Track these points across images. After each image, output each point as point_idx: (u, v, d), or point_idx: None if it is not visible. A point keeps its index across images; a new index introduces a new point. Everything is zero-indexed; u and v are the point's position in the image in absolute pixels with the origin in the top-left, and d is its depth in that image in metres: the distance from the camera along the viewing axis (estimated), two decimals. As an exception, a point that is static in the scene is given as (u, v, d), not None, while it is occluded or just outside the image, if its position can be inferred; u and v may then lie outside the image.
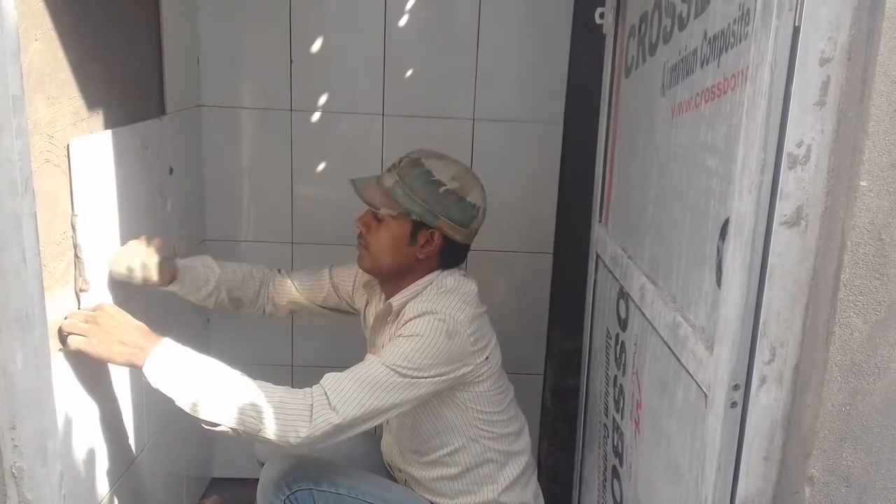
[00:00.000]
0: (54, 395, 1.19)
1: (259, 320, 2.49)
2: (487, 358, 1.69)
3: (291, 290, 1.99)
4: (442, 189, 1.68)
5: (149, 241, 1.69)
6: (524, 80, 2.36)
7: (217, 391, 1.47)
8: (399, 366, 1.56)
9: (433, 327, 1.60)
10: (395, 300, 1.74)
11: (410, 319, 1.64)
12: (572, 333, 2.30)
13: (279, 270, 2.02)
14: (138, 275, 1.65)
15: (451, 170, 1.71)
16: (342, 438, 1.55)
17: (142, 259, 1.66)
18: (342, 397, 1.51)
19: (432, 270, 1.75)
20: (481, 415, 1.72)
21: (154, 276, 1.67)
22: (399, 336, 1.62)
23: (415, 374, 1.56)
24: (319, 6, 2.30)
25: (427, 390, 1.60)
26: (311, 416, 1.49)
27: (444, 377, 1.61)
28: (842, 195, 0.97)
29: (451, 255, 1.75)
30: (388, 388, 1.54)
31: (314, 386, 1.54)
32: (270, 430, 1.47)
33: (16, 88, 1.03)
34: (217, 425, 1.47)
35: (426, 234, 1.70)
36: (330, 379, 1.55)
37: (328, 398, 1.51)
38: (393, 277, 1.77)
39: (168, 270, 1.73)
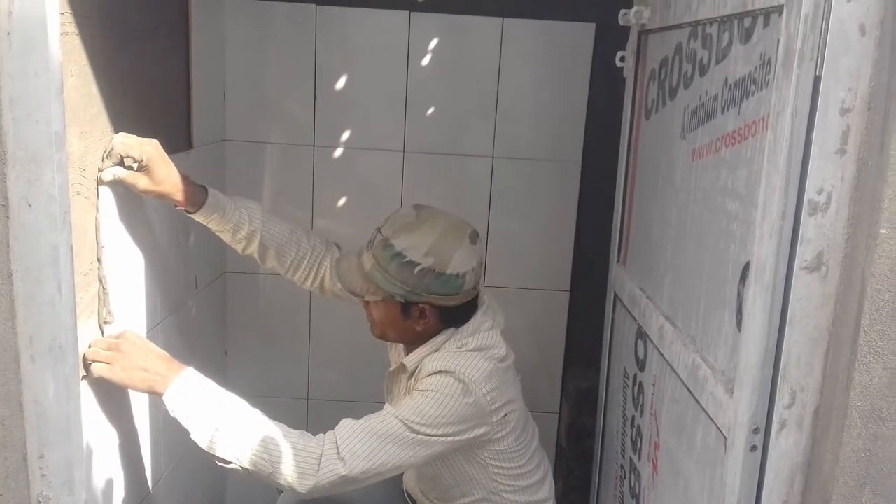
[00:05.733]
0: (82, 425, 1.21)
1: (278, 347, 2.54)
2: (506, 415, 1.65)
3: None
4: (417, 269, 1.62)
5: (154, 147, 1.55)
6: (543, 119, 2.39)
7: (234, 429, 1.48)
8: (411, 421, 1.54)
9: (448, 385, 1.58)
10: (409, 360, 1.71)
11: (428, 376, 1.62)
12: (588, 372, 2.30)
13: (338, 248, 1.90)
14: (134, 162, 1.50)
15: (423, 244, 1.62)
16: (353, 489, 1.54)
17: (142, 145, 1.51)
18: (351, 448, 1.51)
19: (442, 331, 1.70)
20: (502, 470, 1.70)
21: (146, 184, 1.53)
22: (416, 390, 1.61)
23: (426, 430, 1.54)
24: (344, 45, 2.34)
25: (438, 449, 1.58)
26: (319, 465, 1.49)
27: (456, 438, 1.58)
28: (862, 242, 0.98)
29: (454, 317, 1.70)
30: (398, 442, 1.53)
31: (328, 433, 1.54)
32: (280, 475, 1.48)
33: (58, 125, 1.06)
34: (230, 462, 1.48)
35: (417, 310, 1.67)
36: (343, 427, 1.54)
37: (338, 448, 1.51)
38: (404, 343, 1.77)
39: (192, 191, 1.62)
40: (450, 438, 1.57)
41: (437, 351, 1.68)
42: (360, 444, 1.51)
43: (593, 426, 2.22)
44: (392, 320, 1.70)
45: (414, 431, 1.54)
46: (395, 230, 1.65)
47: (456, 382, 1.58)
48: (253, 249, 1.78)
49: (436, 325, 1.69)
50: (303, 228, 1.86)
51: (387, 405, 1.62)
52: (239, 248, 1.78)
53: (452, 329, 1.69)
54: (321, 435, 1.54)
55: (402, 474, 1.98)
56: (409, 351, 1.75)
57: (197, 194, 1.65)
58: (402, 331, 1.71)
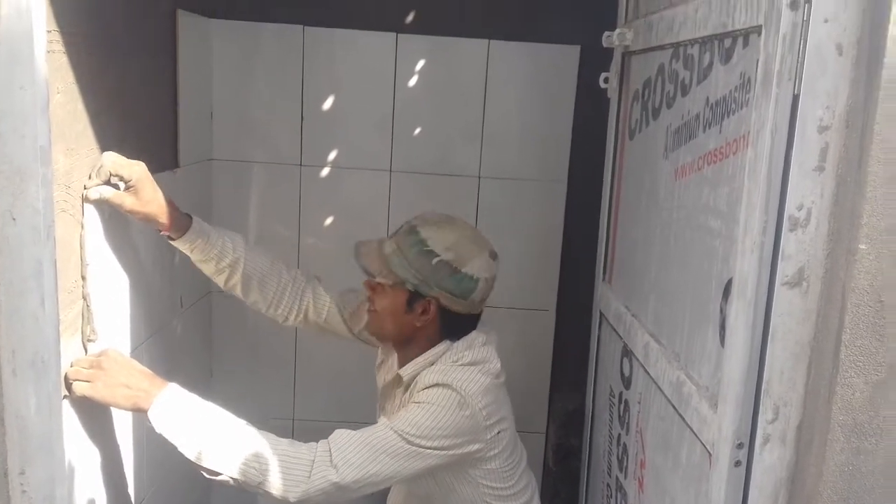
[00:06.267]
0: (64, 441, 1.19)
1: (264, 368, 2.52)
2: (500, 432, 1.65)
3: (332, 309, 1.89)
4: (435, 260, 1.64)
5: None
6: (529, 139, 2.41)
7: (221, 441, 1.47)
8: (406, 433, 1.54)
9: (444, 397, 1.58)
10: (405, 371, 1.71)
11: (424, 389, 1.62)
12: (575, 392, 2.30)
13: (318, 279, 1.91)
14: (122, 181, 1.49)
15: (447, 239, 1.66)
16: (343, 499, 1.53)
17: (131, 165, 1.50)
18: (345, 456, 1.50)
19: (439, 341, 1.70)
20: (493, 490, 1.70)
21: (130, 205, 1.51)
22: (412, 403, 1.61)
23: (421, 442, 1.54)
24: (332, 65, 2.36)
25: (432, 463, 1.57)
26: (311, 472, 1.48)
27: (450, 451, 1.58)
28: (841, 257, 0.99)
29: (454, 326, 1.70)
30: (393, 453, 1.52)
31: (321, 441, 1.53)
32: (270, 484, 1.47)
33: (44, 140, 1.06)
34: (218, 474, 1.47)
35: (423, 304, 1.67)
36: (338, 436, 1.54)
37: (331, 455, 1.50)
38: (398, 344, 1.76)
39: (176, 215, 1.62)
40: (444, 452, 1.57)
41: (432, 365, 1.68)
42: (353, 453, 1.50)
43: (580, 446, 2.22)
44: (394, 310, 1.69)
45: (409, 443, 1.53)
46: (423, 222, 1.69)
47: (453, 395, 1.58)
48: (236, 280, 1.77)
49: (434, 331, 1.69)
50: (283, 261, 1.87)
51: (381, 418, 1.61)
52: (222, 278, 1.77)
53: (448, 342, 1.70)
54: (313, 443, 1.52)
55: (387, 496, 1.97)
56: (402, 363, 1.75)
57: (181, 219, 1.65)
58: (401, 325, 1.70)
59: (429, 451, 1.55)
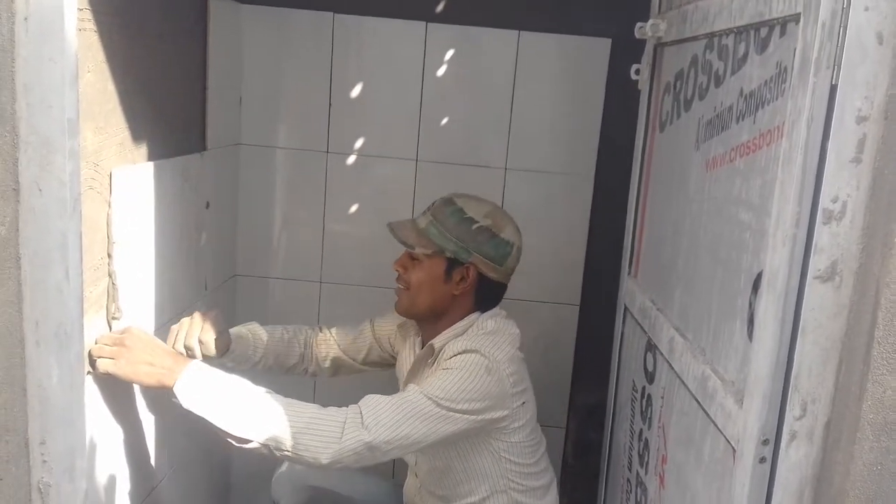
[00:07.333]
0: (85, 413, 1.20)
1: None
2: (524, 403, 1.69)
3: (332, 345, 1.99)
4: (475, 226, 1.72)
5: (204, 316, 1.68)
6: (557, 132, 2.39)
7: (250, 409, 1.48)
8: (436, 396, 1.56)
9: (473, 362, 1.61)
10: (437, 341, 1.75)
11: (451, 357, 1.65)
12: (596, 387, 2.28)
13: (319, 328, 2.01)
14: (197, 353, 1.64)
15: (483, 208, 1.75)
16: (372, 462, 1.54)
17: (200, 336, 1.65)
18: (376, 418, 1.52)
19: (470, 312, 1.76)
20: (514, 466, 1.71)
21: (212, 351, 1.67)
22: (440, 370, 1.64)
23: (450, 405, 1.56)
24: (361, 53, 2.36)
25: (461, 427, 1.59)
26: (343, 432, 1.49)
27: (478, 416, 1.60)
28: (877, 252, 0.97)
29: (487, 294, 1.77)
30: (423, 416, 1.55)
31: (351, 405, 1.55)
32: (301, 447, 1.47)
33: (72, 112, 1.07)
34: (248, 441, 1.47)
35: (461, 271, 1.73)
36: (369, 399, 1.56)
37: (362, 416, 1.52)
38: (430, 318, 1.78)
39: (223, 342, 1.72)
40: (472, 416, 1.59)
41: (458, 336, 1.72)
42: (385, 415, 1.53)
43: (600, 441, 2.20)
44: (432, 281, 1.74)
45: (439, 406, 1.56)
46: (457, 195, 1.79)
47: (481, 360, 1.62)
48: (270, 363, 1.89)
49: (468, 301, 1.76)
50: (283, 327, 1.97)
51: (411, 384, 1.64)
52: (259, 367, 1.88)
53: (476, 314, 1.76)
54: (343, 407, 1.55)
55: (401, 486, 1.98)
56: (429, 338, 1.78)
57: (226, 342, 1.75)
58: (438, 297, 1.75)
59: (457, 414, 1.57)
